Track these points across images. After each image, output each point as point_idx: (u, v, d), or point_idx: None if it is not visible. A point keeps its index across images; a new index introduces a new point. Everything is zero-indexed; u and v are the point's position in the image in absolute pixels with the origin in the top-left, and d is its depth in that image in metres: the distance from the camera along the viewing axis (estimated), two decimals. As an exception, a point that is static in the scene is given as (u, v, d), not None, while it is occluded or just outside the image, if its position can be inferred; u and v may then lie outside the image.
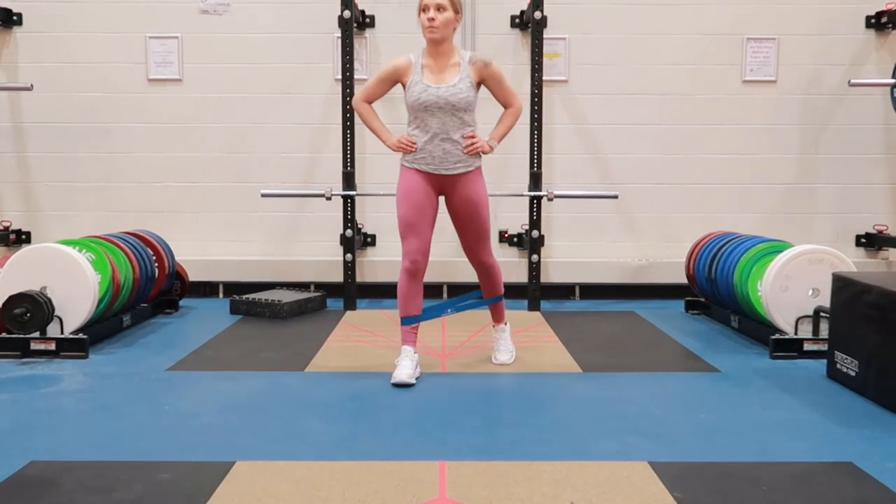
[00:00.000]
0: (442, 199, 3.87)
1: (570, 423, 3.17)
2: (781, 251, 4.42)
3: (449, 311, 4.08)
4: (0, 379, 3.78)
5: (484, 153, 3.80)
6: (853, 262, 4.47)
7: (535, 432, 3.04)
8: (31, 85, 5.80)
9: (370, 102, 3.90)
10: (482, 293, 4.07)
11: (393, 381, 3.63)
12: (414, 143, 3.74)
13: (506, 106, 3.90)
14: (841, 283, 3.79)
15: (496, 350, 4.09)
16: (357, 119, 5.87)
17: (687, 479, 2.58)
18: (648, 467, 2.68)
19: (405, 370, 3.68)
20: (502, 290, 4.06)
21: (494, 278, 3.99)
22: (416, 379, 3.70)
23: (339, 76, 5.75)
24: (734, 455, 2.82)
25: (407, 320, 3.82)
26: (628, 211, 6.22)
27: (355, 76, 5.69)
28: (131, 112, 6.18)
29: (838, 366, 3.75)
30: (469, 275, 4.30)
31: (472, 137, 3.75)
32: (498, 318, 4.12)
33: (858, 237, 6.26)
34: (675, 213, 6.24)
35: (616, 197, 5.70)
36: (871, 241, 6.23)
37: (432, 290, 6.09)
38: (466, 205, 3.79)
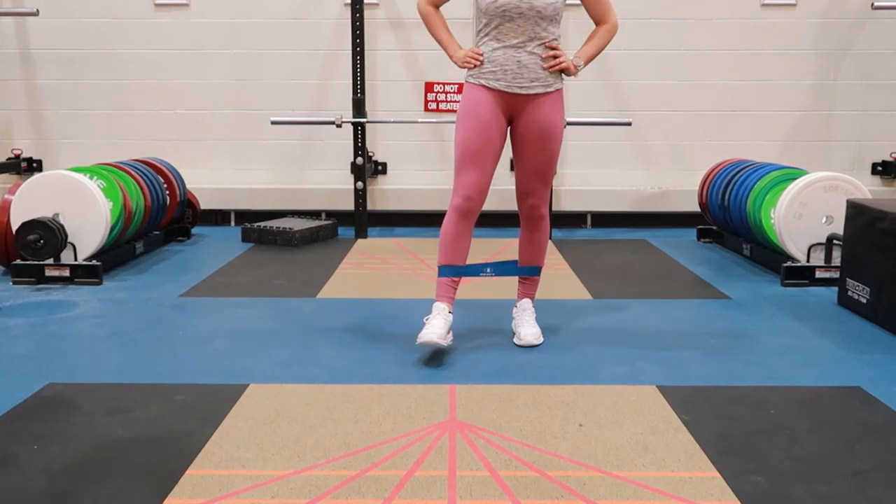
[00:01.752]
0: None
1: (580, 348, 3.19)
2: (796, 178, 4.37)
3: (489, 270, 3.34)
4: (16, 304, 3.83)
5: (568, 74, 3.09)
6: (868, 189, 4.43)
7: (544, 357, 3.07)
8: (37, 10, 5.72)
9: (438, 7, 3.22)
10: (520, 259, 3.33)
11: (419, 340, 2.97)
12: (482, 55, 3.04)
13: (599, 21, 3.20)
14: (855, 210, 3.76)
15: (521, 326, 3.28)
16: (367, 45, 5.79)
17: (694, 403, 2.61)
18: (657, 391, 2.70)
19: (435, 329, 2.98)
20: (544, 262, 3.37)
21: (542, 240, 3.29)
22: (449, 343, 3.04)
23: (349, 0, 5.64)
24: (742, 380, 2.84)
25: (447, 270, 3.14)
26: (641, 138, 6.15)
27: (365, 0, 5.58)
28: (139, 38, 6.11)
29: (849, 293, 3.75)
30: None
31: (556, 50, 3.04)
32: (528, 293, 3.39)
33: (874, 165, 6.19)
34: (689, 140, 6.17)
35: (629, 124, 5.63)
36: (888, 169, 6.16)
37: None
38: (538, 132, 3.06)
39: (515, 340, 3.23)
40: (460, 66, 3.14)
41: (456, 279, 3.15)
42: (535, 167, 3.12)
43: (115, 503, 1.95)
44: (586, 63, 3.14)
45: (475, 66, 3.07)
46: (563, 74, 3.11)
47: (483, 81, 3.05)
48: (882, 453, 2.25)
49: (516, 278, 3.40)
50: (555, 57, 3.04)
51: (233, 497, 1.98)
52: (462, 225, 3.10)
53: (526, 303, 3.36)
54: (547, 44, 3.03)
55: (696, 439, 2.32)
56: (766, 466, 2.16)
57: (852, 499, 1.99)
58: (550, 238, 5.68)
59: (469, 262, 3.20)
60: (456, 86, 5.70)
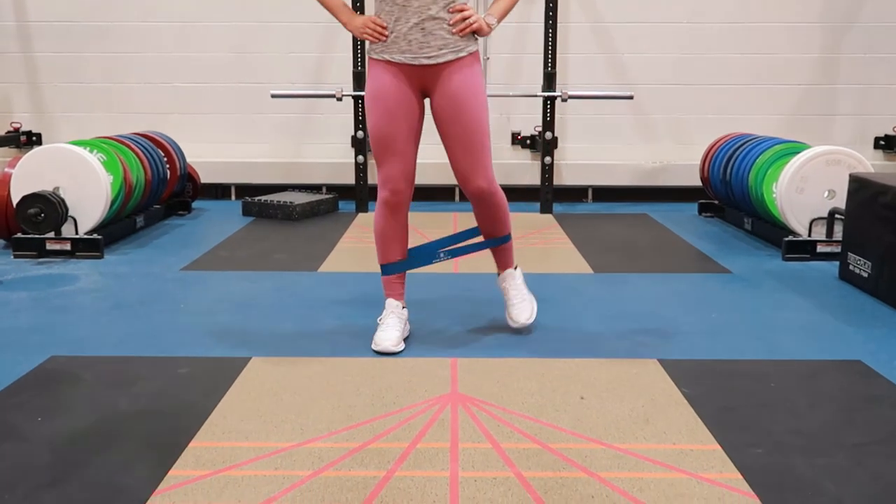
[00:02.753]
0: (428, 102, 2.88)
1: (581, 322, 3.19)
2: (798, 153, 4.35)
3: (441, 255, 3.03)
4: (18, 278, 3.83)
5: (480, 34, 2.75)
6: (871, 164, 4.41)
7: (545, 331, 3.07)
8: (35, -19, 5.67)
9: None
10: (483, 232, 3.02)
11: (374, 347, 2.82)
12: (385, 28, 2.71)
13: None
14: (857, 185, 3.75)
15: (510, 306, 3.02)
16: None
17: (695, 376, 2.61)
18: (657, 364, 2.71)
19: (389, 334, 2.84)
20: (509, 229, 3.01)
21: (498, 214, 2.92)
22: (406, 341, 2.91)
23: (349, -28, 5.59)
24: (743, 353, 2.85)
25: (387, 268, 2.95)
26: (643, 112, 6.13)
27: (365, -28, 5.53)
28: (137, 10, 6.06)
29: (851, 267, 3.75)
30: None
31: (463, 11, 2.71)
32: (504, 263, 3.07)
33: (877, 139, 6.17)
34: (690, 114, 6.14)
35: (631, 97, 5.60)
36: (890, 143, 6.14)
37: (442, 193, 6.09)
38: (455, 103, 2.73)
39: (509, 322, 3.01)
40: (359, 37, 2.82)
41: (401, 274, 2.98)
42: (462, 142, 2.76)
43: (118, 475, 1.96)
44: (500, 20, 2.81)
45: (377, 38, 2.72)
46: (475, 36, 2.76)
47: (387, 56, 2.72)
48: (882, 426, 2.26)
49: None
50: (463, 19, 2.70)
51: (236, 468, 1.99)
52: (394, 218, 2.86)
53: (506, 274, 3.06)
54: (452, 8, 2.69)
55: (697, 412, 2.33)
56: (766, 439, 2.17)
57: (852, 471, 2.00)
58: (551, 213, 5.67)
59: (424, 242, 3.04)
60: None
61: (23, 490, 1.88)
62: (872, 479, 1.96)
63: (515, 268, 3.10)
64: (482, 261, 4.08)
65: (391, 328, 2.87)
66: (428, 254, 3.03)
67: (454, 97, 2.73)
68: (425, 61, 2.71)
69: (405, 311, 2.97)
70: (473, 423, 2.26)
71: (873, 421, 2.29)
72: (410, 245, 2.99)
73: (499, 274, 3.10)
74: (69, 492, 1.88)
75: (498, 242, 3.02)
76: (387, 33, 2.71)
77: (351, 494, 1.87)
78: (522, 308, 3.01)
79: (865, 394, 2.49)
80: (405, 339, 2.92)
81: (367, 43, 2.81)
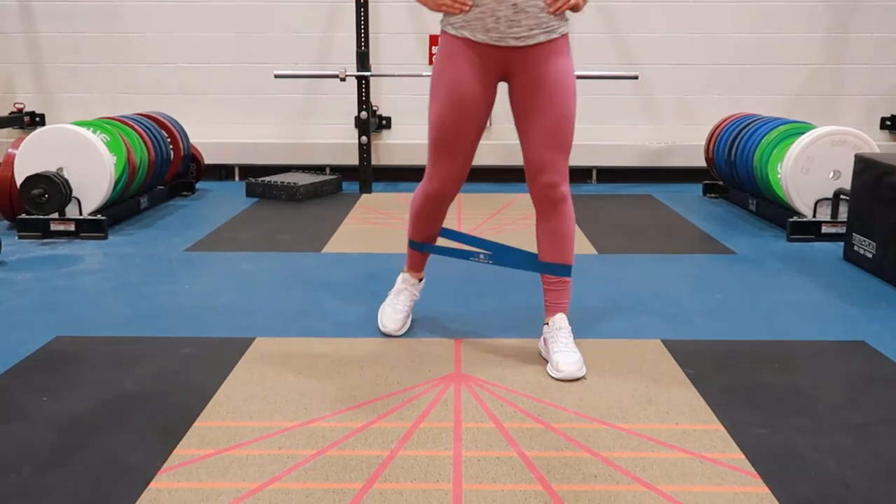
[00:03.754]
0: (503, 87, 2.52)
1: (585, 303, 3.19)
2: (804, 133, 4.33)
3: (481, 257, 2.70)
4: (22, 259, 3.84)
5: (576, 10, 2.38)
6: (877, 144, 4.39)
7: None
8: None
9: None
10: (541, 253, 2.58)
11: (381, 327, 2.80)
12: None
13: None
14: (863, 165, 3.73)
15: (555, 350, 2.50)
16: (371, -4, 5.71)
17: (699, 356, 2.62)
18: (661, 345, 2.71)
19: (394, 316, 2.78)
20: (573, 258, 2.59)
21: (566, 228, 2.53)
22: (408, 325, 2.83)
23: (352, -49, 5.55)
24: (747, 334, 2.85)
25: (415, 245, 2.79)
26: (648, 92, 6.09)
27: (368, -49, 5.50)
28: (140, -10, 6.03)
29: (855, 248, 3.74)
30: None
31: None
32: (559, 304, 2.59)
33: (883, 120, 6.14)
34: (695, 94, 6.11)
35: (636, 77, 5.56)
36: (897, 124, 6.11)
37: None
38: (547, 90, 2.39)
39: (551, 371, 2.46)
40: (435, 9, 2.40)
41: (426, 254, 2.80)
42: (549, 134, 2.42)
43: (124, 454, 1.97)
44: None
45: (457, 10, 2.36)
46: (566, 16, 2.44)
47: (467, 34, 2.35)
48: (885, 407, 2.26)
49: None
50: None
51: (240, 448, 2.00)
52: (435, 208, 2.66)
53: (560, 319, 2.57)
54: None
55: (700, 392, 2.34)
56: (769, 419, 2.17)
57: (855, 451, 2.00)
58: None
59: (462, 228, 2.88)
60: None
61: (28, 469, 1.89)
62: (876, 459, 1.96)
63: (568, 315, 2.61)
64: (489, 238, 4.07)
65: (396, 311, 2.80)
66: (463, 250, 2.73)
67: (546, 85, 2.38)
68: (513, 42, 2.34)
69: (421, 284, 2.87)
70: (477, 404, 2.26)
71: (877, 401, 2.29)
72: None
73: (546, 322, 2.60)
74: (74, 471, 1.89)
75: (559, 271, 2.57)
76: (470, 3, 2.33)
77: (355, 473, 1.88)
78: (572, 358, 2.46)
79: (869, 374, 2.49)
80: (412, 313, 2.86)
81: (441, 16, 2.44)
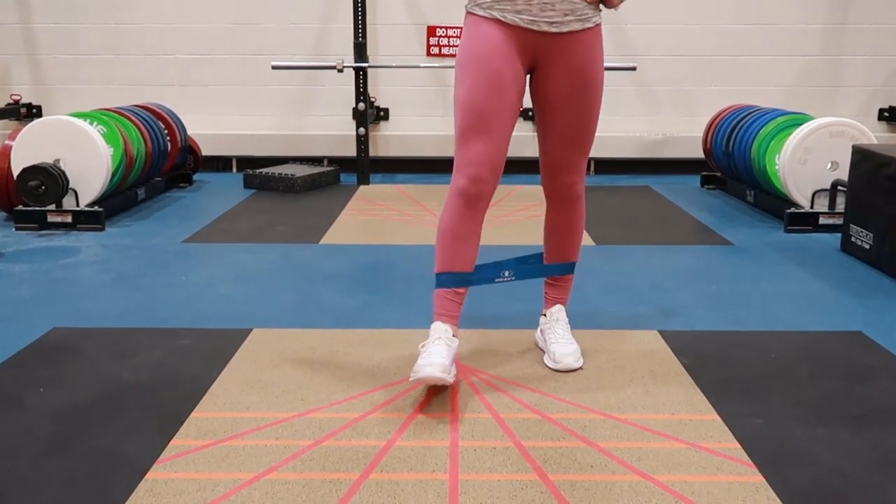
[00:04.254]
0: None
1: (582, 294, 3.19)
2: (801, 124, 4.33)
3: (507, 274, 2.47)
4: (19, 250, 3.83)
5: (608, 4, 2.24)
6: (875, 136, 4.39)
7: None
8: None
9: None
10: (548, 253, 2.52)
11: (415, 375, 2.17)
12: None
13: None
14: (860, 156, 3.73)
15: (552, 341, 2.48)
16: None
17: (695, 347, 2.62)
18: (658, 335, 2.72)
19: (435, 359, 2.17)
20: (578, 255, 2.55)
21: (577, 226, 2.48)
22: (452, 380, 2.21)
23: (349, -59, 5.53)
24: (744, 325, 2.85)
25: (448, 279, 2.31)
26: (646, 84, 6.09)
27: (366, -59, 5.48)
28: (136, -19, 6.01)
29: (853, 239, 3.74)
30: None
31: None
32: (560, 296, 2.58)
33: (881, 111, 6.14)
34: (694, 85, 6.11)
35: (634, 69, 5.56)
36: (895, 115, 6.10)
37: (441, 165, 6.08)
38: (576, 83, 2.23)
39: (548, 362, 2.44)
40: None
41: (460, 290, 2.33)
42: (573, 130, 2.29)
43: (121, 444, 1.97)
44: None
45: None
46: (601, 5, 2.27)
47: (497, 14, 2.18)
48: (882, 397, 2.27)
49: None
50: None
51: (238, 438, 2.00)
52: (469, 215, 2.27)
53: (558, 311, 2.55)
54: None
55: (697, 383, 2.34)
56: (765, 409, 2.18)
57: (851, 441, 2.01)
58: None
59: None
60: (458, 30, 5.62)
61: (26, 459, 1.90)
62: (871, 449, 1.97)
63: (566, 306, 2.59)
64: (487, 232, 4.06)
65: (437, 355, 2.19)
66: (491, 271, 2.46)
67: (576, 77, 2.22)
68: (546, 28, 2.16)
69: (456, 340, 2.30)
70: (473, 394, 2.26)
71: (873, 391, 2.30)
72: None
73: (544, 313, 2.59)
74: (71, 461, 1.89)
75: (565, 270, 2.54)
76: None
77: (351, 464, 1.89)
78: (569, 349, 2.45)
79: (865, 365, 2.50)
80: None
81: None
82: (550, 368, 2.43)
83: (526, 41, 2.19)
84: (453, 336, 2.29)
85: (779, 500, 1.74)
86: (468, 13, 2.26)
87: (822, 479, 1.83)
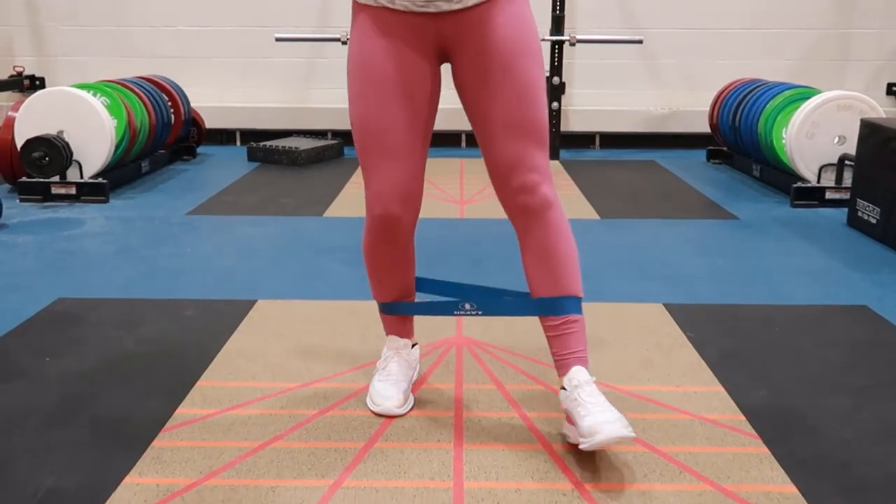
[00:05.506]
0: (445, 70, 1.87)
1: (587, 267, 3.15)
2: (809, 98, 4.30)
3: (467, 308, 2.00)
4: (24, 222, 3.83)
5: None
6: (884, 110, 4.35)
7: (551, 275, 3.07)
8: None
9: None
10: (534, 289, 1.89)
11: (370, 405, 2.00)
12: None
13: None
14: (869, 130, 3.70)
15: (584, 416, 1.72)
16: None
17: (700, 320, 2.61)
18: (663, 309, 2.71)
19: (389, 392, 1.99)
20: (580, 286, 1.88)
21: (558, 246, 1.85)
22: (412, 403, 2.03)
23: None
24: (748, 299, 2.85)
25: (387, 308, 2.09)
26: (653, 57, 6.04)
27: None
28: (139, -49, 5.97)
29: (859, 213, 3.72)
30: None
31: None
32: (572, 354, 1.84)
33: (890, 85, 6.08)
34: (701, 59, 6.06)
35: (641, 42, 5.51)
36: (903, 90, 6.06)
37: (447, 139, 6.04)
38: (493, 63, 1.75)
39: (585, 444, 1.69)
40: None
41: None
42: (510, 116, 1.77)
43: (126, 413, 1.98)
44: None
45: None
46: None
47: (384, 1, 1.75)
48: (885, 370, 2.26)
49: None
50: None
51: (242, 407, 2.01)
52: (389, 247, 1.93)
53: (578, 374, 1.81)
54: None
55: (702, 355, 2.34)
56: (769, 381, 2.18)
57: (855, 413, 2.01)
58: (558, 159, 5.63)
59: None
60: None
61: (32, 427, 1.90)
62: (875, 421, 1.97)
63: (588, 367, 1.85)
64: (489, 207, 4.05)
65: (391, 383, 2.02)
66: (448, 296, 2.14)
67: (498, 56, 1.75)
68: (445, 6, 1.73)
69: (415, 352, 2.14)
70: (478, 366, 2.27)
71: (878, 364, 2.30)
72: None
73: (562, 386, 1.83)
74: (78, 429, 1.90)
75: (565, 308, 1.84)
76: None
77: (356, 433, 1.89)
78: (608, 414, 1.71)
79: (870, 338, 2.49)
80: (412, 387, 2.09)
81: None
82: (584, 447, 1.70)
83: (425, 28, 1.77)
84: (412, 346, 2.13)
85: (783, 471, 1.74)
86: (354, 3, 1.82)
87: (825, 449, 1.83)
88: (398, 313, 2.08)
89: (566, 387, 1.81)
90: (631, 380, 2.19)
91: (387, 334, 2.13)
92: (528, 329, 2.53)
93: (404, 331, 2.12)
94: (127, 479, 1.69)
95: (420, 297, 2.16)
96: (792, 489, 1.67)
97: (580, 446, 1.71)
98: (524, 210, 1.82)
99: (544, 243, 1.84)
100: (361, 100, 1.80)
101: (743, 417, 1.98)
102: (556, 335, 1.85)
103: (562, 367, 1.85)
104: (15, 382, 2.14)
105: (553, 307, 1.84)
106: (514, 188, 1.80)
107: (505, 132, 1.78)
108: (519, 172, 1.79)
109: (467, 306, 1.99)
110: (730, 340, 2.46)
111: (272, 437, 1.87)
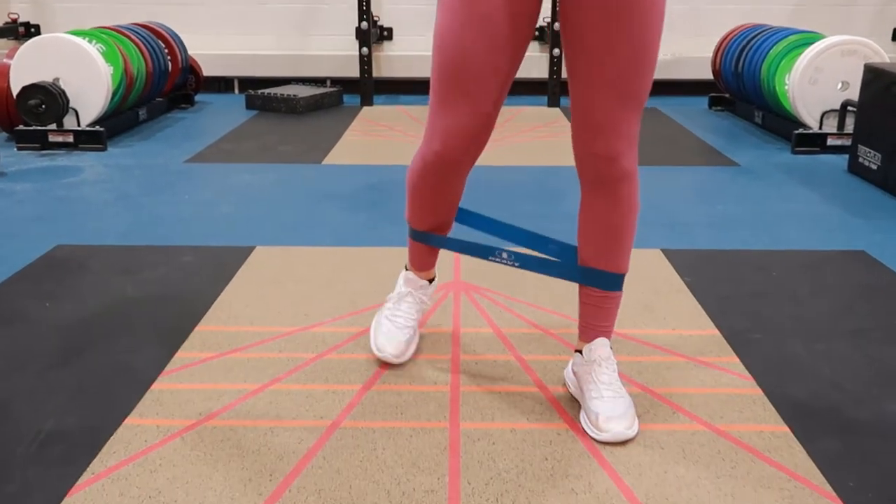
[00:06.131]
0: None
1: (586, 213, 3.18)
2: (813, 43, 4.24)
3: (504, 257, 1.89)
4: (22, 169, 3.82)
5: None
6: (889, 56, 4.30)
7: (552, 223, 3.07)
8: None
9: None
10: (583, 253, 1.77)
11: (374, 350, 1.97)
12: None
13: None
14: (872, 75, 3.66)
15: (593, 397, 1.71)
16: None
17: (698, 265, 2.62)
18: (661, 254, 2.71)
19: (393, 335, 1.97)
20: (628, 265, 1.76)
21: (627, 220, 1.71)
22: (413, 350, 2.00)
23: None
24: (747, 244, 2.85)
25: (419, 235, 1.96)
26: (656, 2, 5.94)
27: None
28: None
29: (860, 159, 3.70)
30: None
31: None
32: (601, 326, 1.79)
33: (895, 30, 5.99)
34: (705, 3, 5.96)
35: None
36: (909, 35, 5.98)
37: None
38: (613, 16, 1.49)
39: (586, 426, 1.69)
40: None
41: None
42: (621, 78, 1.55)
43: (126, 357, 1.99)
44: None
45: None
46: None
47: None
48: (882, 314, 2.27)
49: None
50: None
51: (241, 351, 2.03)
52: (439, 181, 1.80)
53: (601, 347, 1.77)
54: None
55: (699, 300, 2.35)
56: (765, 325, 2.19)
57: (850, 356, 2.02)
58: (558, 106, 5.58)
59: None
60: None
61: (32, 370, 1.92)
62: (869, 364, 1.98)
63: (611, 339, 1.80)
64: (492, 154, 4.02)
65: (398, 327, 1.98)
66: (489, 234, 2.02)
67: (618, 7, 1.49)
68: None
69: (432, 287, 2.06)
70: (475, 310, 2.28)
71: (873, 309, 2.30)
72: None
73: (578, 349, 1.82)
74: (78, 372, 1.92)
75: (608, 283, 1.75)
76: None
77: (354, 376, 1.91)
78: (619, 406, 1.69)
79: (867, 283, 2.50)
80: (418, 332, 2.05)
81: None
82: (590, 438, 1.68)
83: None
84: (429, 283, 2.05)
85: (776, 412, 1.76)
86: None
87: (819, 392, 1.85)
88: (429, 244, 1.95)
89: (584, 354, 1.78)
90: (627, 323, 2.20)
91: (408, 268, 2.04)
92: (525, 276, 2.53)
93: (428, 264, 2.01)
94: (127, 421, 1.71)
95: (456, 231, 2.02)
96: (784, 429, 1.69)
97: (583, 427, 1.70)
98: (599, 176, 1.66)
99: (609, 217, 1.70)
100: (458, 31, 1.55)
101: (737, 360, 1.99)
102: (591, 304, 1.78)
103: (586, 333, 1.80)
104: (15, 326, 2.16)
105: (600, 281, 1.75)
106: (595, 153, 1.63)
107: (604, 91, 1.56)
108: (604, 136, 1.60)
109: (504, 255, 1.88)
110: (727, 285, 2.47)
111: (271, 380, 1.88)
